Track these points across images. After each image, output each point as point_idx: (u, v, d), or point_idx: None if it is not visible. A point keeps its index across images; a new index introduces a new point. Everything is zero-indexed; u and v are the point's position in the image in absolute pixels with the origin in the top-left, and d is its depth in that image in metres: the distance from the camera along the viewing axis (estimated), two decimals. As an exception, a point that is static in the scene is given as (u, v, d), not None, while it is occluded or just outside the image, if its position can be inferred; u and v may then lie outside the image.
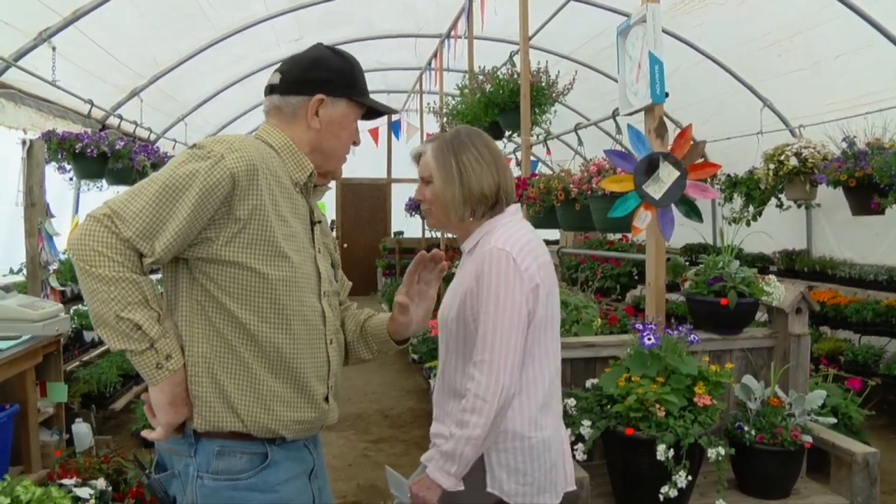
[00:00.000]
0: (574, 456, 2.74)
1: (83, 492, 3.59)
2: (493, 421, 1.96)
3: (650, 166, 3.02)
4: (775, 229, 6.63)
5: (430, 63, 8.29)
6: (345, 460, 5.02)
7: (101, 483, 3.86)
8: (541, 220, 4.29)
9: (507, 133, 5.39)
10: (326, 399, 1.91)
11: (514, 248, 2.04)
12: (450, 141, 2.23)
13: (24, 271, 5.06)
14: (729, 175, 6.36)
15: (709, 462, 2.61)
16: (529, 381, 2.07)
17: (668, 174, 3.01)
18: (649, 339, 2.76)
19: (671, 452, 2.48)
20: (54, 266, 5.17)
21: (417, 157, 2.30)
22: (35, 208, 4.84)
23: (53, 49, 5.01)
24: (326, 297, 1.92)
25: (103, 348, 6.42)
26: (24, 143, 5.02)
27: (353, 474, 4.73)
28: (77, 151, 5.33)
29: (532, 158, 4.94)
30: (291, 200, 1.87)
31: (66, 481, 3.66)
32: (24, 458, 3.89)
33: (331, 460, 4.75)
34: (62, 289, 5.39)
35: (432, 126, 8.29)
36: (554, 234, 8.72)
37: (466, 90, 5.64)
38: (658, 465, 2.52)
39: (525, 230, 2.17)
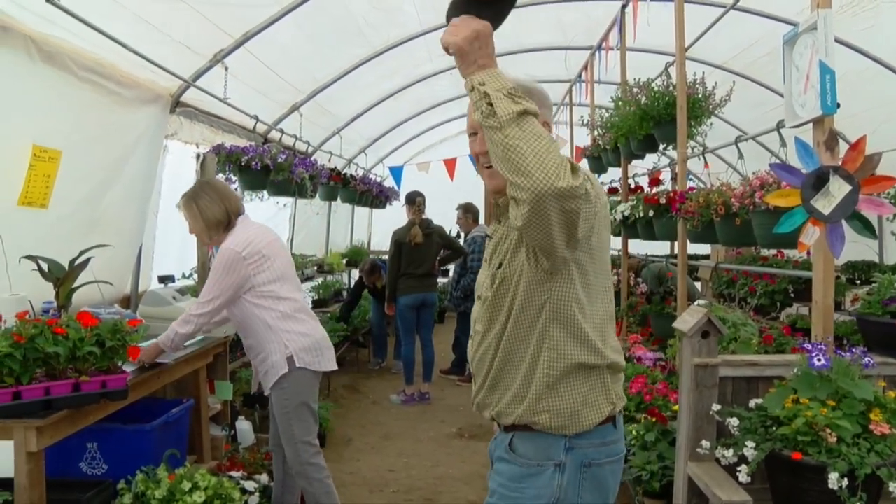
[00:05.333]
0: (737, 478, 2.67)
1: (249, 484, 3.83)
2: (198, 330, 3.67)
3: (819, 180, 2.90)
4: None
5: (580, 75, 8.24)
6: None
7: (264, 478, 4.11)
8: (698, 234, 4.17)
9: (661, 146, 5.30)
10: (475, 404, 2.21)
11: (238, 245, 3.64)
12: (190, 194, 3.81)
13: (195, 276, 5.44)
14: (900, 188, 5.95)
15: (890, 497, 2.45)
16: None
17: (838, 188, 2.88)
18: (819, 359, 2.64)
19: (845, 482, 2.36)
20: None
21: (179, 209, 3.85)
22: (206, 218, 5.19)
23: (226, 69, 5.36)
24: (479, 300, 2.17)
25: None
26: (198, 156, 5.41)
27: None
28: (243, 164, 5.64)
29: (683, 171, 4.83)
30: None
31: (233, 473, 3.93)
32: (196, 448, 4.19)
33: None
34: (228, 293, 5.74)
35: (583, 138, 8.22)
36: (705, 248, 8.47)
37: (621, 102, 5.58)
38: (829, 493, 2.39)
39: (254, 227, 3.84)
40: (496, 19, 1.77)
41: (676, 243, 5.07)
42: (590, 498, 1.97)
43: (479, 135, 2.04)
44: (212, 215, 3.74)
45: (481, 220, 8.76)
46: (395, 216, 10.13)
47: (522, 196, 1.62)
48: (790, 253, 6.15)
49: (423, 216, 7.70)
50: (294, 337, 3.73)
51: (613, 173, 7.71)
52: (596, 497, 1.99)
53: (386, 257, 8.05)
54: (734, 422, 2.79)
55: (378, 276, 8.79)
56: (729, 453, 2.74)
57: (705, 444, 3.01)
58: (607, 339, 2.01)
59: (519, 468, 1.99)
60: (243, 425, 5.09)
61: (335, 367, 3.97)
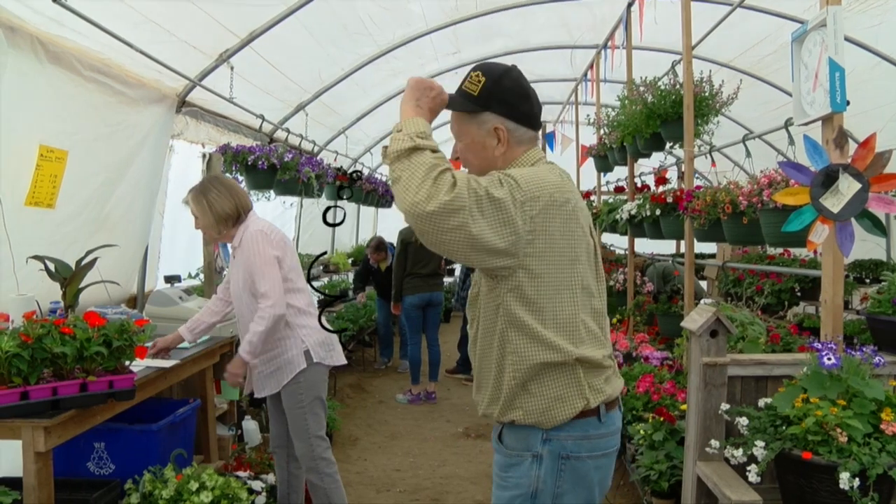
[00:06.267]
0: (746, 477, 2.66)
1: (256, 484, 3.83)
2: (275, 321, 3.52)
3: (828, 178, 2.88)
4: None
5: (585, 74, 8.21)
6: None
7: (270, 478, 4.10)
8: (704, 233, 4.14)
9: (668, 145, 5.28)
10: None
11: (264, 228, 3.68)
12: (199, 189, 3.74)
13: (201, 276, 5.43)
14: (908, 186, 5.90)
15: (900, 496, 2.44)
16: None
17: (848, 186, 2.87)
18: (829, 359, 2.62)
19: (856, 482, 2.34)
20: (227, 271, 5.52)
21: (186, 204, 3.79)
22: (213, 217, 5.19)
23: (231, 68, 5.36)
24: None
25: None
26: (203, 156, 5.41)
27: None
28: (249, 163, 5.63)
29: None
30: None
31: (240, 473, 3.92)
32: (203, 448, 4.19)
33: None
34: (234, 293, 5.74)
35: (589, 137, 8.19)
36: (710, 247, 8.44)
37: (627, 101, 5.57)
38: (840, 493, 2.38)
39: (265, 221, 3.79)
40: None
41: (683, 242, 5.05)
42: (570, 490, 2.00)
43: (456, 143, 2.24)
44: (221, 209, 3.68)
45: None
46: (400, 216, 10.10)
47: (407, 220, 1.83)
48: (797, 251, 6.13)
49: (430, 216, 7.67)
50: (310, 332, 3.73)
51: (620, 172, 7.67)
52: (577, 490, 2.01)
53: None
54: (743, 421, 2.78)
55: (384, 255, 8.79)
56: (738, 453, 2.73)
57: (714, 443, 3.00)
58: (577, 335, 1.98)
59: (504, 457, 2.08)
60: (250, 425, 5.09)
61: (344, 362, 3.98)
